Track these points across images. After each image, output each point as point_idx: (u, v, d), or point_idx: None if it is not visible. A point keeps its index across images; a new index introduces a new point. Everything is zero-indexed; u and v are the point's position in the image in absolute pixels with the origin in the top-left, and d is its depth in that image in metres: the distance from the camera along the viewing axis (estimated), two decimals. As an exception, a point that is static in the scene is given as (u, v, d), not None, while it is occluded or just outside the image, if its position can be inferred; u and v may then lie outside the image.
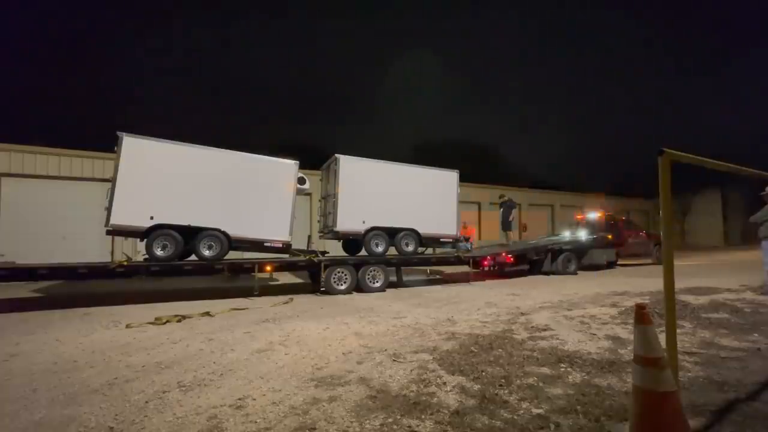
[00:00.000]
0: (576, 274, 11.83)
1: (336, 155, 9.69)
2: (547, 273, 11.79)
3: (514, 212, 12.63)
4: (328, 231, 9.98)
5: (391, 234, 9.99)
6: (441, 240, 10.85)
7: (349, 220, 9.48)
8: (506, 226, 13.52)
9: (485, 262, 11.19)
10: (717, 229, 29.39)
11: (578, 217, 15.79)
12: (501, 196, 14.13)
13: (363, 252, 9.98)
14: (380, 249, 9.76)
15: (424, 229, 10.42)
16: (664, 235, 2.41)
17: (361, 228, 9.62)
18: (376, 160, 10.27)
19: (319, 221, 11.01)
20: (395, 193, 10.12)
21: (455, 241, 11.00)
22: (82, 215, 12.87)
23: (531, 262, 12.19)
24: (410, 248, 10.19)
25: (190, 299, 8.10)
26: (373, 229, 9.73)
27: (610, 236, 13.54)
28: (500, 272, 12.00)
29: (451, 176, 11.05)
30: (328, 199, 10.13)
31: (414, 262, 10.31)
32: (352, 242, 10.49)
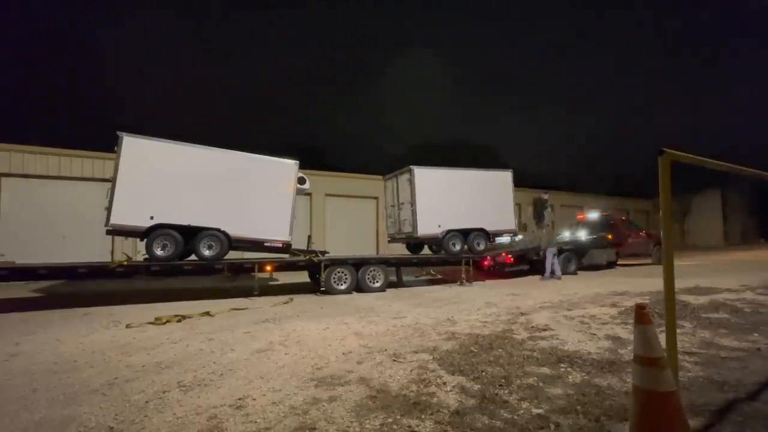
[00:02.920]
0: (576, 274, 11.84)
1: (410, 166, 10.44)
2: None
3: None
4: (405, 236, 10.98)
5: (464, 234, 10.84)
6: (504, 234, 11.96)
7: (427, 226, 10.29)
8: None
9: (485, 262, 11.21)
10: (717, 229, 29.37)
11: (579, 216, 15.80)
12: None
13: (425, 251, 11.52)
14: (457, 248, 10.66)
15: (491, 227, 11.36)
16: (664, 235, 2.41)
17: (438, 231, 10.46)
18: (444, 167, 11.15)
19: (387, 227, 12.00)
20: (463, 196, 11.02)
21: (515, 235, 12.18)
22: (82, 215, 12.87)
23: (531, 262, 12.20)
24: (481, 246, 11.12)
25: (190, 299, 8.09)
26: (449, 231, 10.58)
27: (610, 236, 13.55)
28: (501, 272, 12.06)
29: (506, 175, 12.01)
30: (402, 207, 10.94)
31: (414, 263, 10.32)
32: (415, 243, 11.50)
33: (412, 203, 10.27)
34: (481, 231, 11.12)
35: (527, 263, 12.22)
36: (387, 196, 11.91)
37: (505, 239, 12.27)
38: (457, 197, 10.92)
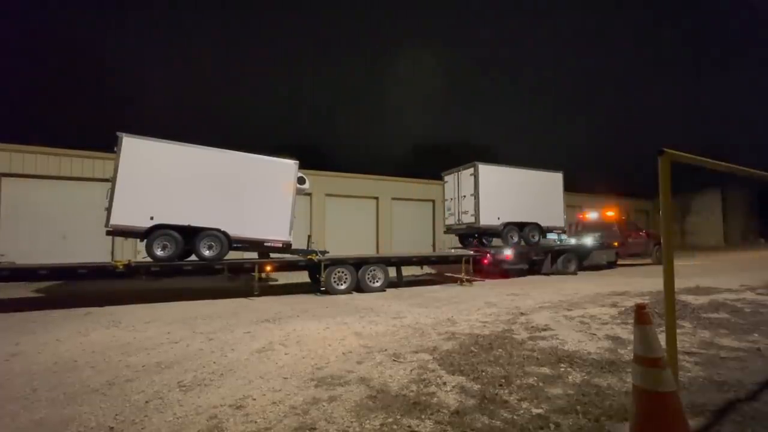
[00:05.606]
0: (576, 274, 11.84)
1: (475, 162, 11.47)
2: (547, 274, 11.81)
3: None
4: (465, 226, 11.88)
5: (520, 227, 11.84)
6: (554, 231, 12.77)
7: (488, 217, 11.34)
8: None
9: (485, 261, 11.23)
10: (717, 229, 29.37)
11: (580, 216, 15.78)
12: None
13: (471, 243, 12.52)
14: (515, 239, 11.72)
15: (544, 223, 12.26)
16: (664, 235, 2.41)
17: (497, 223, 11.52)
18: (504, 165, 12.09)
19: (445, 219, 12.87)
20: (519, 193, 11.99)
21: (563, 232, 13.04)
22: (82, 215, 12.86)
23: (531, 262, 12.23)
24: (535, 239, 12.05)
25: (190, 299, 8.09)
26: (508, 224, 11.63)
27: (616, 243, 13.66)
28: (501, 271, 12.08)
29: (558, 176, 13.00)
30: (464, 199, 11.91)
31: (414, 262, 10.32)
32: (465, 236, 12.67)
33: (475, 196, 11.29)
34: (536, 225, 12.09)
35: (527, 262, 12.22)
36: (446, 190, 12.77)
37: (553, 236, 12.96)
38: (514, 193, 11.89)
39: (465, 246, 12.62)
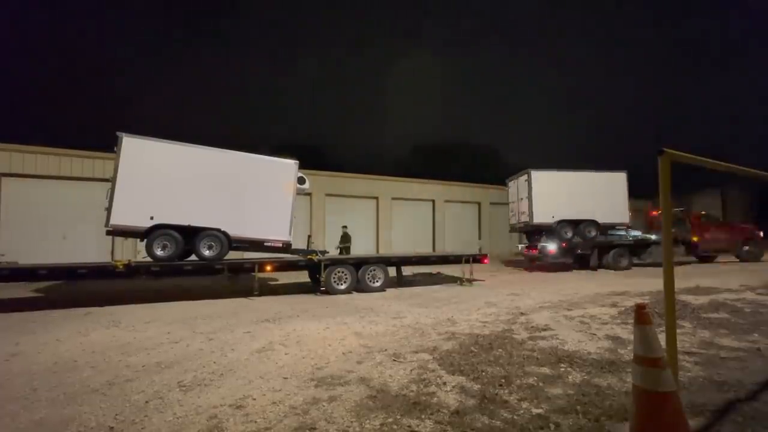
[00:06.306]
0: (630, 269, 12.17)
1: (529, 170, 13.02)
2: (594, 268, 11.95)
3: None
4: (522, 224, 13.54)
5: (575, 224, 12.99)
6: (616, 227, 13.74)
7: (542, 216, 12.75)
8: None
9: (485, 261, 11.29)
10: (717, 228, 29.33)
11: (652, 213, 15.81)
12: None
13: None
14: (569, 235, 12.90)
15: (603, 219, 13.24)
16: (664, 235, 2.41)
17: (551, 221, 12.81)
18: (558, 170, 13.28)
19: (509, 219, 14.79)
20: (573, 193, 13.11)
21: (629, 228, 13.85)
22: (82, 215, 12.86)
23: (577, 257, 12.54)
24: (591, 234, 13.12)
25: (190, 299, 8.09)
26: (561, 221, 12.84)
27: (695, 238, 13.67)
28: (545, 263, 13.10)
29: (621, 176, 13.85)
30: (521, 201, 13.49)
31: (413, 262, 10.32)
32: (532, 234, 13.88)
33: (529, 198, 12.81)
34: (592, 222, 13.08)
35: (572, 257, 12.76)
36: (510, 194, 14.58)
37: (620, 232, 13.81)
38: (568, 194, 12.99)
39: (530, 241, 13.97)
